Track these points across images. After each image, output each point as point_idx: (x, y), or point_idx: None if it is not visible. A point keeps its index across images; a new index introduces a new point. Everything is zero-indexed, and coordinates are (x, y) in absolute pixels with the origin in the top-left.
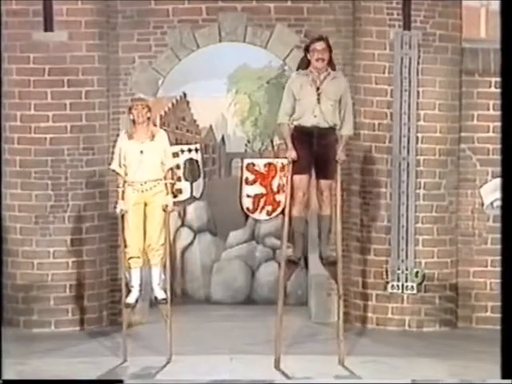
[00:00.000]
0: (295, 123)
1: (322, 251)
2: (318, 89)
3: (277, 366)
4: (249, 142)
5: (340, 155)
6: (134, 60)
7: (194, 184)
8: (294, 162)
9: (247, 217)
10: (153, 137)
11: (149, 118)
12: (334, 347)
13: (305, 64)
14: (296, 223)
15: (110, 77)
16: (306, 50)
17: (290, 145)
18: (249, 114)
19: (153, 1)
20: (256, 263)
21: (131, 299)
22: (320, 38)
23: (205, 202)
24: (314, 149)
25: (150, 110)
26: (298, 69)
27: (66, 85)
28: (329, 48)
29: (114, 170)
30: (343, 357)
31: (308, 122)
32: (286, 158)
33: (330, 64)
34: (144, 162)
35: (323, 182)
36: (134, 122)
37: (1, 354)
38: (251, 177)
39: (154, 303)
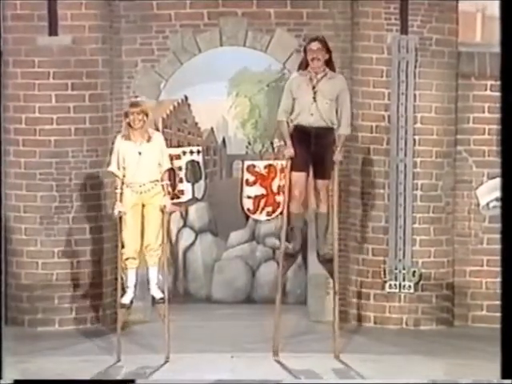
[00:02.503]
0: (295, 122)
1: (320, 248)
2: (314, 87)
3: (275, 354)
4: (249, 144)
5: (337, 155)
6: (137, 64)
7: (196, 185)
8: (292, 159)
9: (248, 217)
10: (149, 138)
11: (145, 122)
12: (331, 345)
13: (304, 64)
14: (294, 219)
15: (114, 80)
16: (304, 50)
17: (288, 142)
18: (249, 116)
19: (155, 6)
20: (256, 263)
21: (126, 299)
22: (315, 39)
23: (206, 203)
24: (312, 148)
25: (146, 114)
26: (298, 69)
27: (70, 88)
28: (326, 48)
29: (112, 173)
30: (339, 351)
31: (305, 120)
32: (284, 155)
33: (330, 65)
34: (142, 164)
35: (320, 182)
36: (129, 125)
37: (1, 352)
38: (252, 178)
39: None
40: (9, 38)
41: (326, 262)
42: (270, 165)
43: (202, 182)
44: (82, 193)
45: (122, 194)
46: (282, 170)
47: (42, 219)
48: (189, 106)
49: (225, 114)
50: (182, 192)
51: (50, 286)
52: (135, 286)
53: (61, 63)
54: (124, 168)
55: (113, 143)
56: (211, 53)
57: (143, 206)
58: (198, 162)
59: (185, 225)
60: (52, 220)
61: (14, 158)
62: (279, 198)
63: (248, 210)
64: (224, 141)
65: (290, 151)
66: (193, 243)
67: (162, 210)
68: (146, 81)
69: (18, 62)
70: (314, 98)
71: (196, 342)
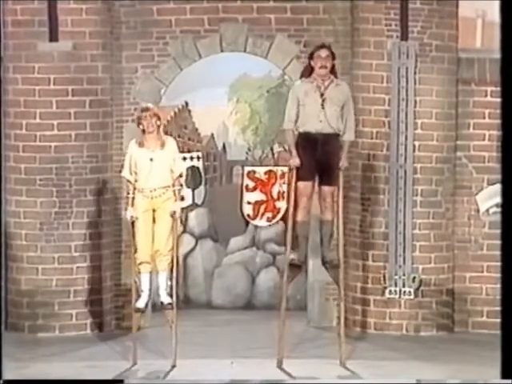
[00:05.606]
0: (300, 130)
1: (325, 255)
2: (322, 95)
3: (279, 365)
4: (249, 149)
5: (343, 162)
6: (137, 70)
7: (196, 191)
8: (298, 168)
9: (248, 223)
10: (163, 145)
11: (159, 127)
12: (332, 351)
13: (308, 71)
14: (300, 228)
15: (114, 86)
16: (310, 57)
17: (294, 152)
18: (249, 122)
19: (156, 12)
20: (256, 269)
21: (141, 304)
22: (323, 46)
23: (206, 209)
24: (318, 155)
25: (159, 118)
26: (301, 76)
27: (70, 94)
28: (332, 56)
29: (125, 177)
30: (344, 358)
31: (313, 127)
32: (287, 165)
33: (333, 72)
34: (154, 170)
35: (326, 189)
36: (143, 131)
37: (1, 355)
38: (252, 184)
39: (157, 308)
40: (9, 44)
41: (332, 268)
42: (270, 171)
43: (201, 188)
44: (82, 198)
45: (133, 198)
46: (282, 176)
47: (42, 225)
48: (189, 111)
49: (225, 120)
50: (182, 198)
51: (50, 291)
52: (150, 291)
53: (61, 69)
54: (136, 173)
55: (118, 149)
56: (211, 59)
57: (154, 211)
58: (198, 168)
59: (185, 230)
60: (52, 226)
61: (14, 164)
62: (279, 204)
63: (248, 215)
64: (224, 147)
65: (295, 161)
66: (193, 249)
67: (172, 216)
68: (146, 87)
69: (19, 68)
70: (323, 105)
71: (196, 347)
